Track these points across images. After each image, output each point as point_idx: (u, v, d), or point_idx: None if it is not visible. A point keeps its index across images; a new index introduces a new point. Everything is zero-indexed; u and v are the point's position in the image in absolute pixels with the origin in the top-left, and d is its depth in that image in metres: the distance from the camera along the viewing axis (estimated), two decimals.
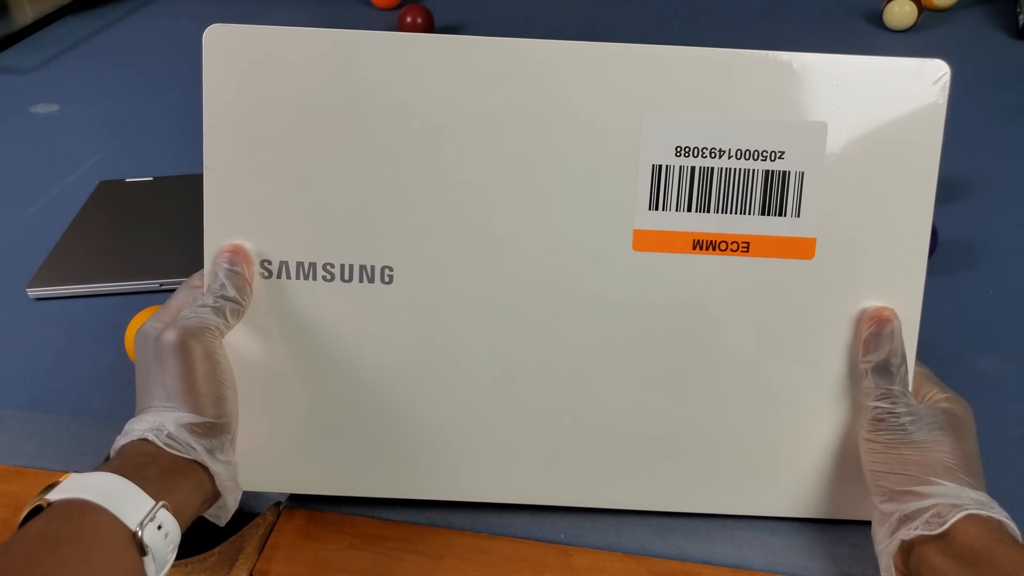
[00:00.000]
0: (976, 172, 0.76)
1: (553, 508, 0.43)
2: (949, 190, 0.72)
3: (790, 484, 0.42)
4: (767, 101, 0.39)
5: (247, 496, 0.43)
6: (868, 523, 0.42)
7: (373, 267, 0.40)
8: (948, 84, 0.39)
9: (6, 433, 0.46)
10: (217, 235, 0.41)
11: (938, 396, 0.40)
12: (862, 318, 0.40)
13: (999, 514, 0.35)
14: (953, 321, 0.59)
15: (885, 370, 0.39)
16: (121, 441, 0.37)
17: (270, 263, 0.41)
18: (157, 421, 0.37)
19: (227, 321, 0.40)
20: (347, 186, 0.40)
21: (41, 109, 0.98)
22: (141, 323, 0.55)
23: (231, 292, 0.40)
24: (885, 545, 0.36)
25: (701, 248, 0.40)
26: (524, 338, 0.41)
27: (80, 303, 0.65)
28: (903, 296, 0.41)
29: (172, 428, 0.36)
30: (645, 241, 0.40)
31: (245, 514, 0.43)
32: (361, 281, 0.41)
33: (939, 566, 0.33)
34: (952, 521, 0.34)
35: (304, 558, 0.41)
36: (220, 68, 0.39)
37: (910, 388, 0.40)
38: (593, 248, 0.40)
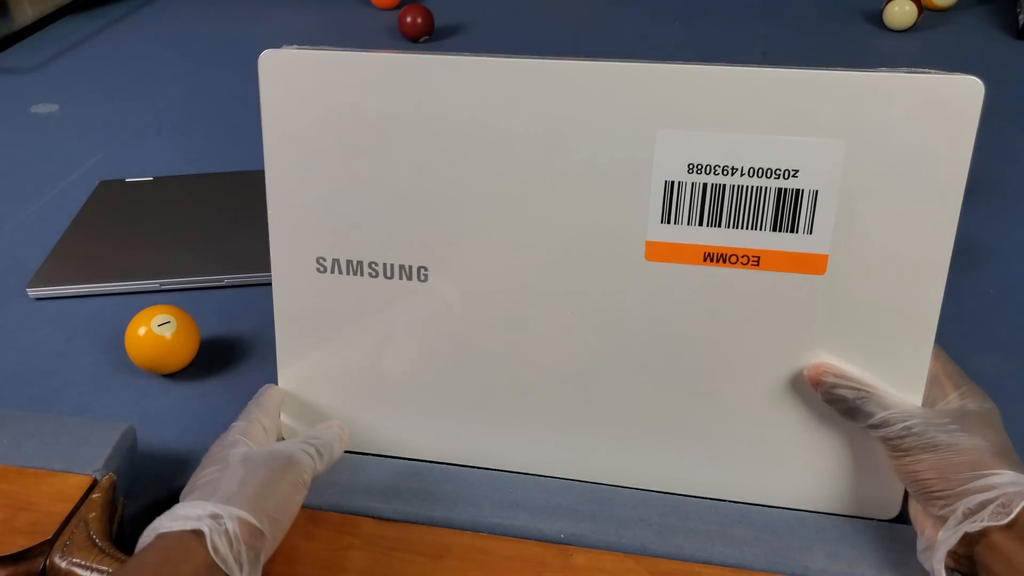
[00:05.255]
0: (976, 172, 0.76)
1: (553, 508, 0.43)
2: None
3: (796, 478, 0.44)
4: (783, 119, 0.38)
5: None
6: (868, 522, 0.42)
7: (411, 266, 0.44)
8: (981, 101, 0.36)
9: (6, 433, 0.46)
10: (280, 235, 0.45)
11: (955, 395, 0.40)
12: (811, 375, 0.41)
13: None
14: (953, 321, 0.59)
15: (855, 412, 0.40)
16: (168, 525, 0.35)
17: (324, 259, 0.45)
18: (212, 511, 0.35)
19: (321, 466, 0.42)
20: (386, 195, 0.43)
21: (41, 109, 0.98)
22: (141, 323, 0.55)
23: (337, 452, 0.44)
24: (944, 538, 0.36)
25: (712, 260, 0.41)
26: (544, 333, 0.44)
27: (80, 303, 0.65)
28: (917, 316, 0.41)
29: (232, 526, 0.35)
30: (657, 252, 0.41)
31: None
32: (401, 278, 0.45)
33: (1008, 551, 0.34)
34: (1019, 508, 0.34)
35: (304, 558, 0.41)
36: (275, 90, 0.43)
37: (891, 400, 0.40)
38: (607, 255, 0.42)
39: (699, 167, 0.40)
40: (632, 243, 0.42)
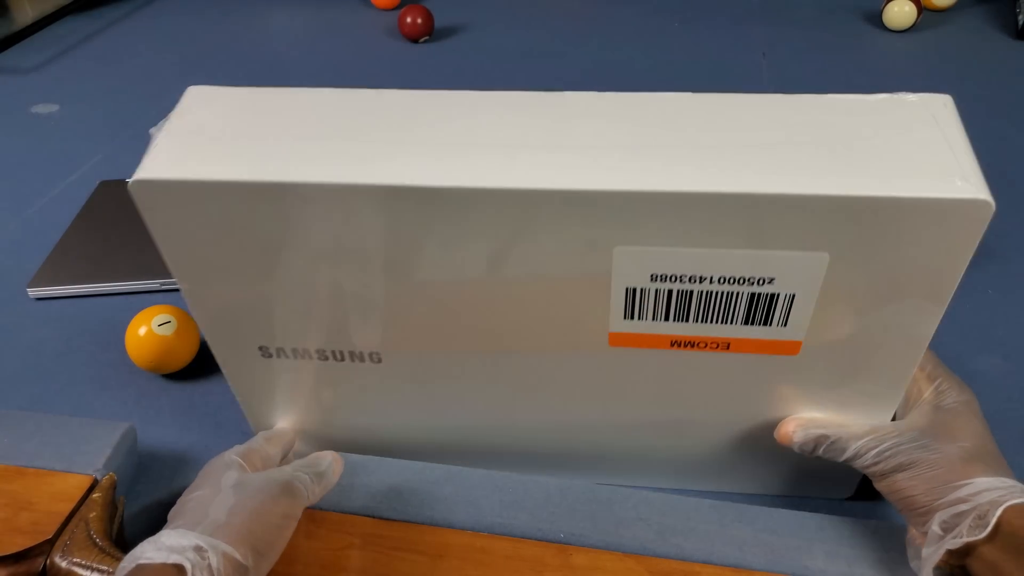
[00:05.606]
0: None
1: (553, 508, 0.43)
2: None
3: (759, 472, 0.47)
4: (759, 237, 0.33)
5: None
6: (867, 522, 0.42)
7: (363, 352, 0.42)
8: (988, 221, 0.32)
9: (6, 433, 0.46)
10: (213, 332, 0.42)
11: (931, 390, 0.40)
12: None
13: None
14: (953, 321, 0.59)
15: (830, 453, 0.40)
16: (151, 556, 0.33)
17: (267, 348, 0.42)
18: (196, 543, 0.34)
19: (315, 494, 0.41)
20: (319, 298, 0.39)
21: (41, 109, 0.98)
22: (141, 323, 0.55)
23: (331, 482, 0.42)
24: (928, 554, 0.36)
25: (679, 346, 0.38)
26: (505, 412, 0.45)
27: (80, 303, 0.65)
28: (892, 382, 0.39)
29: (215, 560, 0.33)
30: (621, 340, 0.39)
31: None
32: (352, 361, 0.42)
33: (987, 558, 0.34)
34: (995, 518, 0.33)
35: (304, 558, 0.41)
36: (157, 219, 0.36)
37: (861, 431, 0.40)
38: (570, 343, 0.40)
39: (663, 276, 0.35)
40: (595, 334, 0.39)
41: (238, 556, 0.34)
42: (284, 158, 0.34)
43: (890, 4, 1.06)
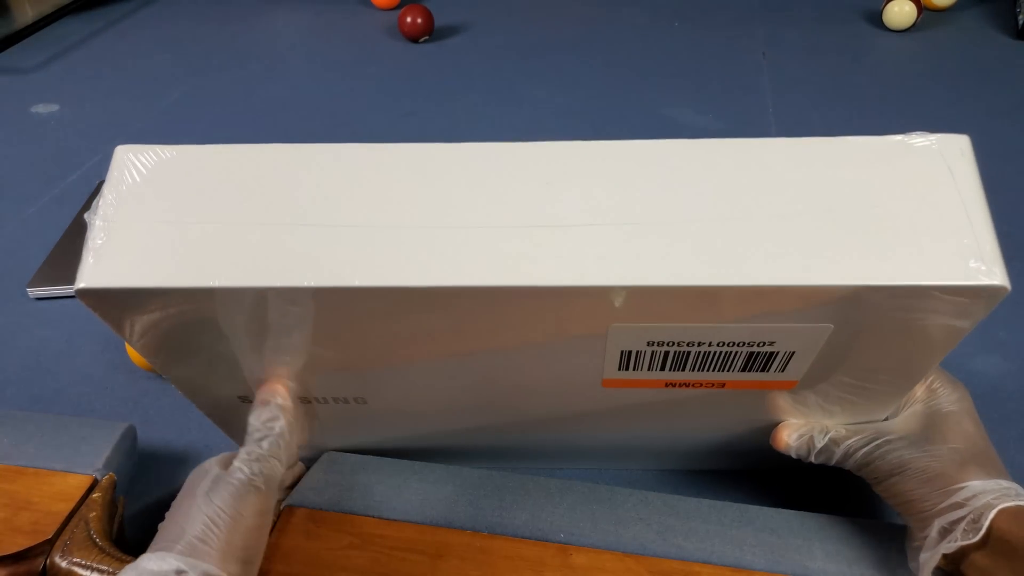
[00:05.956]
0: None
1: (553, 508, 0.43)
2: None
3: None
4: (759, 315, 0.32)
5: None
6: (867, 522, 0.42)
7: (347, 397, 0.41)
8: (1000, 301, 0.31)
9: (6, 433, 0.46)
10: (188, 391, 0.40)
11: (922, 388, 0.40)
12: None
13: None
14: None
15: (822, 457, 0.41)
16: None
17: (246, 397, 0.41)
18: (177, 566, 0.33)
19: (283, 465, 0.38)
20: (296, 362, 0.37)
21: (41, 109, 0.98)
22: None
23: (294, 450, 0.39)
24: (925, 559, 0.36)
25: (674, 386, 0.38)
26: (497, 442, 0.45)
27: (80, 303, 0.65)
28: (881, 407, 0.40)
29: None
30: (615, 383, 0.38)
31: None
32: (336, 404, 0.41)
33: (980, 564, 0.34)
34: (987, 522, 0.33)
35: (304, 558, 0.41)
36: (112, 317, 0.34)
37: (851, 431, 0.40)
38: (564, 390, 0.39)
39: (659, 343, 0.34)
40: (588, 381, 0.38)
41: (220, 573, 0.33)
42: (233, 253, 0.31)
43: (890, 4, 1.06)
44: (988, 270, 0.29)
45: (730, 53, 1.05)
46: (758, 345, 0.34)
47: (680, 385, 0.37)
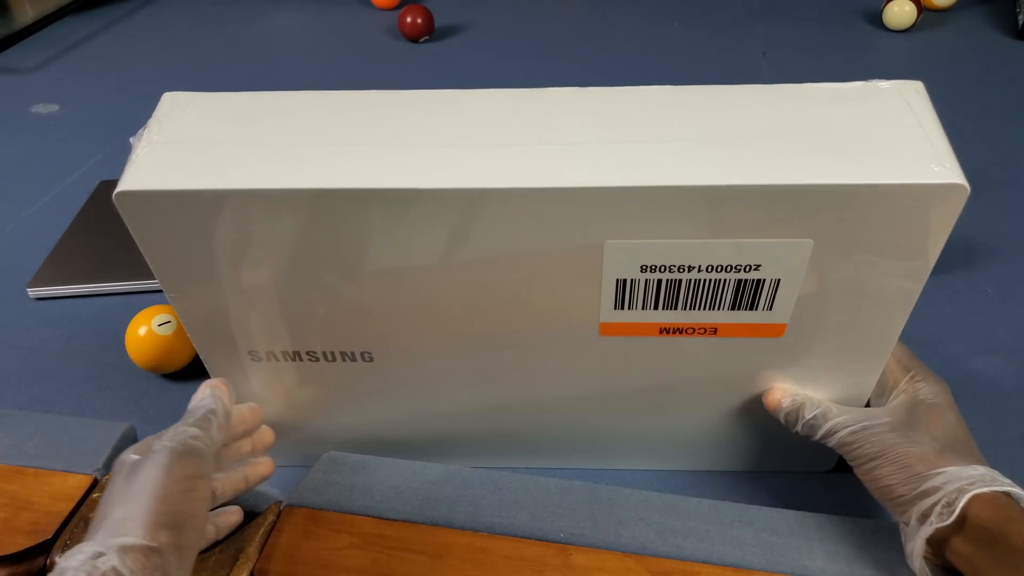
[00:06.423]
0: (975, 172, 0.76)
1: (553, 508, 0.43)
2: None
3: (742, 449, 0.48)
4: (745, 227, 0.34)
5: (248, 496, 0.43)
6: (867, 521, 0.42)
7: (353, 352, 0.42)
8: (963, 204, 0.33)
9: (6, 433, 0.46)
10: (201, 338, 0.42)
11: (906, 381, 0.41)
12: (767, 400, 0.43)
13: (1003, 485, 0.35)
14: (953, 321, 0.59)
15: (810, 428, 0.42)
16: None
17: (257, 352, 0.42)
18: (94, 549, 0.31)
19: (212, 438, 0.38)
20: (308, 301, 0.39)
21: (41, 109, 0.98)
22: (141, 323, 0.55)
23: (225, 415, 0.39)
24: (911, 548, 0.36)
25: (668, 333, 0.40)
26: (498, 402, 0.45)
27: (80, 303, 0.65)
28: (870, 360, 0.41)
29: (116, 560, 0.31)
30: (611, 329, 0.40)
31: (246, 514, 0.43)
32: (344, 361, 0.42)
33: (962, 551, 0.35)
34: (960, 506, 0.34)
35: (304, 558, 0.41)
36: (145, 228, 0.36)
37: (840, 410, 0.41)
38: (562, 335, 0.41)
39: (652, 267, 0.36)
40: (586, 324, 0.40)
41: (143, 541, 0.32)
42: (266, 162, 0.34)
43: (890, 4, 1.06)
44: (949, 172, 0.32)
45: (730, 53, 1.05)
46: (745, 270, 0.36)
47: (674, 332, 0.39)
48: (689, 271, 0.36)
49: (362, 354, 0.42)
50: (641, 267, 0.36)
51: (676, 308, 0.38)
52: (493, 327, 0.40)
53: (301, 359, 0.42)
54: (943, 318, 0.60)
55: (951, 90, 0.92)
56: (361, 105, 0.37)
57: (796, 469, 0.49)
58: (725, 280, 0.37)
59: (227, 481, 0.41)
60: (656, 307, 0.38)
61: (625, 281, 0.37)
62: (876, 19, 1.10)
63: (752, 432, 0.47)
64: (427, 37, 1.10)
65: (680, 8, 1.19)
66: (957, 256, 0.65)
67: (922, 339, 0.57)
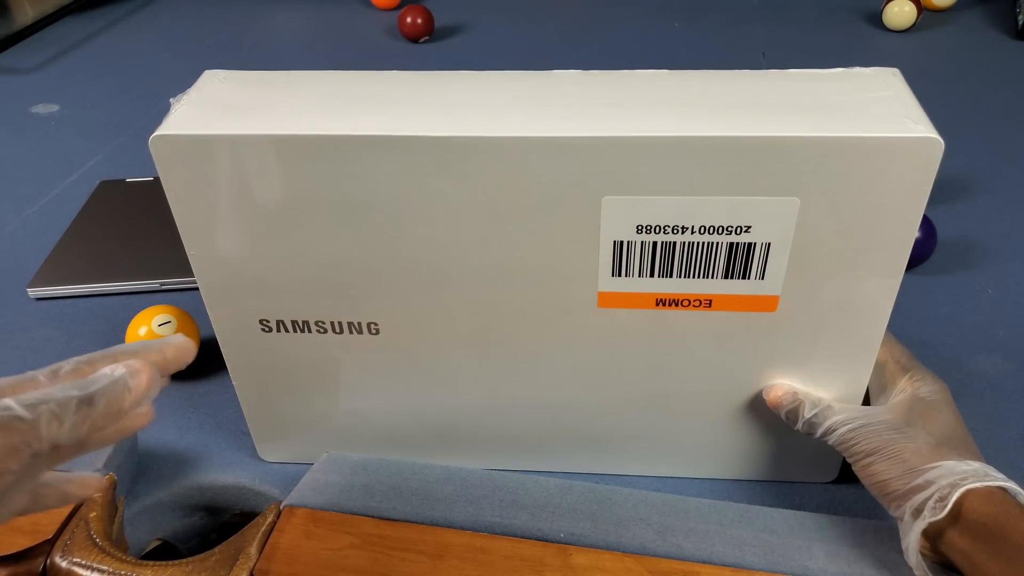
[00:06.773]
0: (976, 172, 0.76)
1: (553, 508, 0.43)
2: (948, 190, 0.72)
3: (745, 457, 0.48)
4: (734, 182, 0.37)
5: (248, 496, 0.43)
6: (868, 522, 0.42)
7: (360, 323, 0.43)
8: (939, 160, 0.35)
9: None
10: (216, 304, 0.43)
11: (904, 380, 0.41)
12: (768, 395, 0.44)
13: (997, 480, 0.35)
14: (952, 321, 0.59)
15: (810, 427, 0.42)
16: None
17: (268, 321, 0.43)
18: None
19: (52, 431, 0.27)
20: (322, 265, 0.41)
21: (41, 109, 0.98)
22: (141, 323, 0.55)
23: (116, 401, 0.29)
24: (907, 543, 0.37)
25: (664, 305, 0.41)
26: (499, 386, 0.45)
27: (80, 303, 0.65)
28: (863, 341, 0.41)
29: None
30: (609, 300, 0.41)
31: (246, 514, 0.43)
32: (351, 333, 0.43)
33: (958, 546, 0.35)
34: (954, 500, 0.34)
35: (304, 558, 0.41)
36: (176, 176, 0.38)
37: (839, 408, 0.41)
38: (561, 305, 0.42)
39: (648, 227, 0.38)
40: (585, 294, 0.41)
41: None
42: (294, 117, 0.37)
43: (890, 4, 1.06)
44: (923, 128, 0.35)
45: (730, 53, 1.05)
46: (736, 232, 0.38)
47: (671, 304, 0.41)
48: (683, 232, 0.38)
49: (368, 325, 0.43)
50: (637, 227, 0.38)
51: (672, 276, 0.40)
52: (495, 295, 0.41)
53: (310, 330, 0.43)
54: (943, 318, 0.60)
55: (951, 90, 0.92)
56: (380, 80, 0.41)
57: (798, 479, 0.48)
58: (718, 244, 0.38)
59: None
60: (652, 274, 0.40)
61: (622, 244, 0.39)
62: (876, 19, 1.10)
63: (753, 439, 0.46)
64: (427, 37, 1.11)
65: (680, 8, 1.19)
66: (957, 256, 0.65)
67: (922, 339, 0.57)
